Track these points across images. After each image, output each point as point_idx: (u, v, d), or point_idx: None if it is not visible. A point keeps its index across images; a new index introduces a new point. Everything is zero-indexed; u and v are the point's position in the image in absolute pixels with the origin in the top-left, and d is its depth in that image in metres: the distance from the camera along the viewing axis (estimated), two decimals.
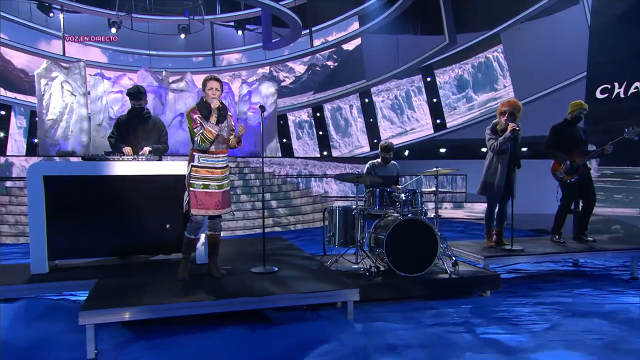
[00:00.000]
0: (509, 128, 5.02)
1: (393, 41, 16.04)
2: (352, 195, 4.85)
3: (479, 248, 5.34)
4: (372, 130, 16.98)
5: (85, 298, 3.50)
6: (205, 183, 3.90)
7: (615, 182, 9.70)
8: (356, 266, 4.76)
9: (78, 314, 3.11)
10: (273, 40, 15.95)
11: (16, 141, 14.82)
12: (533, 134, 8.53)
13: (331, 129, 17.31)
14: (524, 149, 12.11)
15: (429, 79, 16.42)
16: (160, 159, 4.90)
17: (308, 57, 17.45)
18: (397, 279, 4.43)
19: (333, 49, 17.33)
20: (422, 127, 16.71)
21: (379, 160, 5.74)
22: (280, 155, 15.09)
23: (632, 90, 9.41)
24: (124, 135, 4.92)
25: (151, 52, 15.97)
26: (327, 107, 17.35)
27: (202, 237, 4.43)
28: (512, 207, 5.31)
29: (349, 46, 17.23)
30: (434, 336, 3.55)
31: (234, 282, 3.92)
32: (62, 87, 11.58)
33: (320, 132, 17.32)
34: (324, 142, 17.26)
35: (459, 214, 12.06)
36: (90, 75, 12.05)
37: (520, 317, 3.98)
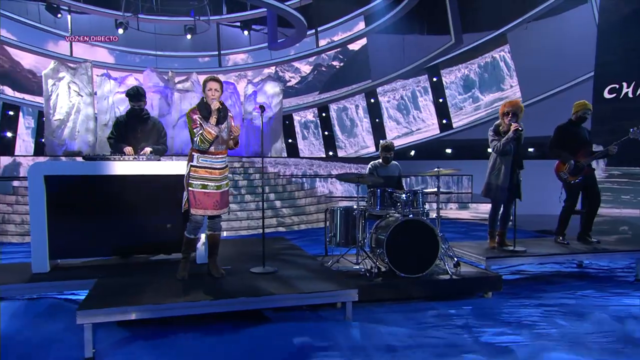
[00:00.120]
0: (512, 128, 4.98)
1: (399, 41, 16.00)
2: (362, 195, 4.87)
3: (481, 249, 5.31)
4: (378, 130, 16.94)
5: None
6: (204, 183, 3.90)
7: (622, 183, 9.61)
8: (357, 267, 4.74)
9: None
10: (278, 41, 15.97)
11: (24, 141, 14.96)
12: (539, 134, 8.47)
13: (337, 129, 17.30)
14: (531, 150, 12.03)
15: (435, 79, 16.36)
16: (160, 159, 4.91)
17: (314, 57, 17.46)
18: (397, 280, 4.41)
19: (339, 49, 17.34)
20: (428, 127, 16.66)
21: (380, 160, 5.72)
22: (286, 156, 15.11)
23: None
24: (123, 135, 4.93)
25: (157, 53, 16.05)
26: (332, 107, 17.34)
27: (203, 237, 4.44)
28: (514, 208, 5.28)
29: (355, 46, 17.21)
30: (433, 337, 3.53)
31: (233, 282, 3.92)
32: (69, 87, 11.66)
33: (326, 132, 17.31)
34: (330, 142, 17.25)
35: (464, 214, 11.99)
36: (97, 75, 12.13)
37: (521, 319, 3.94)
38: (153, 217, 4.53)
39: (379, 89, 16.97)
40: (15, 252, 7.12)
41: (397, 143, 16.12)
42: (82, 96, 11.76)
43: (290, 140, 16.93)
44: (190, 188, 3.89)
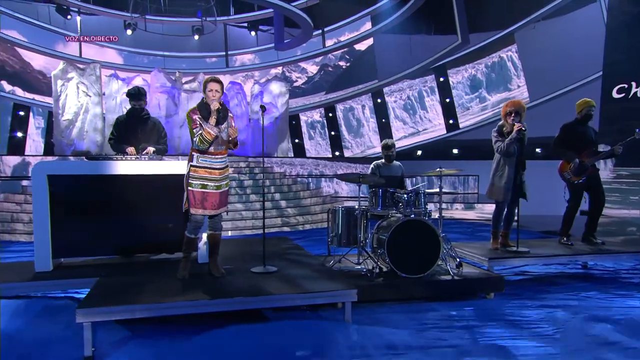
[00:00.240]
0: (515, 128, 4.96)
1: (405, 41, 15.96)
2: (363, 196, 4.87)
3: (484, 249, 5.29)
4: (385, 130, 16.91)
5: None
6: (204, 183, 3.92)
7: (631, 184, 9.51)
8: (358, 267, 4.74)
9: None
10: (285, 41, 16.01)
11: (34, 141, 15.11)
12: (547, 134, 8.42)
13: (343, 129, 17.30)
14: (538, 150, 11.93)
15: (441, 79, 16.30)
16: (162, 159, 4.95)
17: (320, 58, 17.47)
18: (398, 280, 4.40)
19: (345, 49, 17.33)
20: (434, 127, 16.60)
21: (383, 160, 5.72)
22: (292, 156, 15.13)
23: None
24: (123, 136, 4.96)
25: (165, 53, 16.16)
26: (339, 107, 17.34)
27: (204, 236, 4.46)
28: (518, 209, 5.25)
29: (361, 46, 17.20)
30: (434, 338, 3.52)
31: (233, 282, 3.94)
32: (78, 87, 11.78)
33: (333, 133, 17.32)
34: (336, 143, 17.25)
35: (470, 214, 11.93)
36: (106, 76, 12.26)
37: (522, 320, 3.91)
38: (155, 216, 4.56)
39: (385, 89, 16.94)
40: (24, 250, 7.20)
41: (404, 143, 16.14)
42: (90, 96, 11.87)
43: (297, 140, 16.96)
44: (189, 188, 3.91)
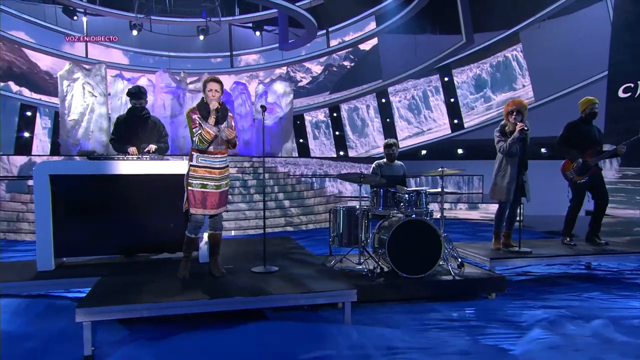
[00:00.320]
0: (517, 128, 4.94)
1: (410, 41, 15.94)
2: (366, 195, 4.85)
3: (485, 250, 5.27)
4: (389, 130, 16.89)
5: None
6: (204, 183, 3.93)
7: (636, 184, 9.43)
8: (359, 267, 4.74)
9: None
10: (289, 41, 16.02)
11: (41, 141, 15.24)
12: (552, 134, 8.37)
13: (348, 129, 17.29)
14: (543, 150, 11.87)
15: (446, 79, 16.26)
16: (163, 158, 4.97)
17: (325, 58, 17.48)
18: (399, 280, 4.39)
19: (350, 49, 17.33)
20: (439, 127, 16.56)
21: (385, 160, 5.71)
22: (297, 155, 15.14)
23: None
24: (124, 134, 4.98)
25: (170, 54, 16.23)
26: (343, 107, 17.34)
27: (205, 236, 4.47)
28: (521, 209, 5.22)
29: (366, 46, 17.19)
30: (435, 338, 3.51)
31: (233, 282, 3.94)
32: (84, 88, 11.85)
33: (337, 132, 17.31)
34: (341, 142, 17.26)
35: (474, 214, 11.89)
36: (111, 76, 12.33)
37: (523, 321, 3.89)
38: (157, 216, 4.58)
39: (390, 89, 16.93)
40: (29, 250, 7.25)
41: (408, 143, 16.12)
42: (95, 96, 11.94)
43: (301, 140, 16.97)
44: (189, 187, 3.92)
